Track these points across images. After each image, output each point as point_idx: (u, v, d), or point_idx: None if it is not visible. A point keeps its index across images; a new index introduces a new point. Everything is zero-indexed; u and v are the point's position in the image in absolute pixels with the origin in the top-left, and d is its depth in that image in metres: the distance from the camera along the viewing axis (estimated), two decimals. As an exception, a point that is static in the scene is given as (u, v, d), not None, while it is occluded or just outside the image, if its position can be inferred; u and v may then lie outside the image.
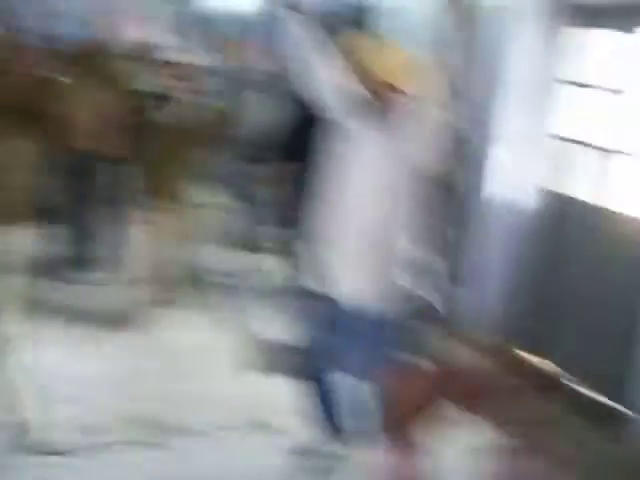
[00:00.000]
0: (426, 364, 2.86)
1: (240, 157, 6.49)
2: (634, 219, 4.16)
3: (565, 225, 4.64)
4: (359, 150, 2.82)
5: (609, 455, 3.26)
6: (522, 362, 3.82)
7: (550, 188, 4.75)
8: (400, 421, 2.72)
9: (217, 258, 6.31)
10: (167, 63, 6.64)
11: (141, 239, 4.76)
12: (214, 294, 5.59)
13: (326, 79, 2.87)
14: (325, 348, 2.99)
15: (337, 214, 2.88)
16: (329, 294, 2.94)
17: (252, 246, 6.70)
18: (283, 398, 3.50)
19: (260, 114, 6.28)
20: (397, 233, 2.80)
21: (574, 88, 4.60)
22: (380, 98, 2.78)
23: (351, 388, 2.98)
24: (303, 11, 2.99)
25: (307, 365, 3.11)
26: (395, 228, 2.80)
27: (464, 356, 3.57)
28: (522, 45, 4.62)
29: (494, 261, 4.81)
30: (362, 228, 2.81)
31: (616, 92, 4.30)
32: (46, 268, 5.15)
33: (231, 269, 6.11)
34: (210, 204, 7.78)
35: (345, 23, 6.34)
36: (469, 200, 4.88)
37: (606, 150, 4.36)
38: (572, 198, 4.61)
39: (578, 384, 4.23)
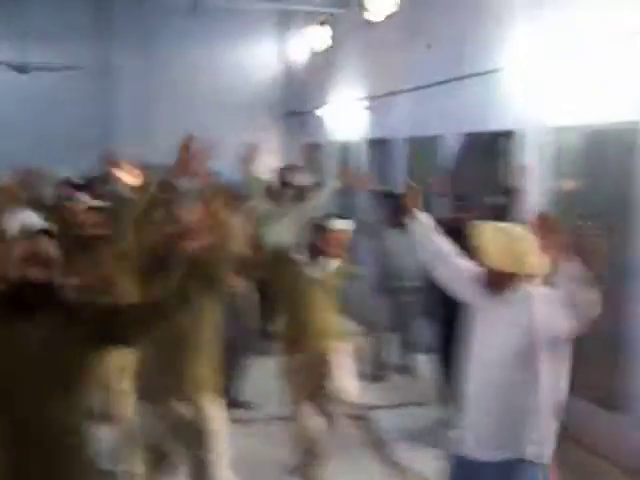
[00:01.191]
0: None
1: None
2: None
3: None
4: (487, 322, 3.24)
5: None
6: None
7: None
8: None
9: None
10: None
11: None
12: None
13: (453, 271, 3.44)
14: None
15: (472, 372, 3.29)
16: (463, 446, 3.29)
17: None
18: None
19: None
20: (527, 392, 3.13)
21: None
22: (498, 281, 3.19)
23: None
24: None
25: None
26: (525, 388, 3.12)
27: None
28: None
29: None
30: (491, 386, 3.17)
31: None
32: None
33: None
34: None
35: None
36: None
37: None
38: None
39: None
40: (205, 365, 3.69)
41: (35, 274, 2.50)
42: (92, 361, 2.65)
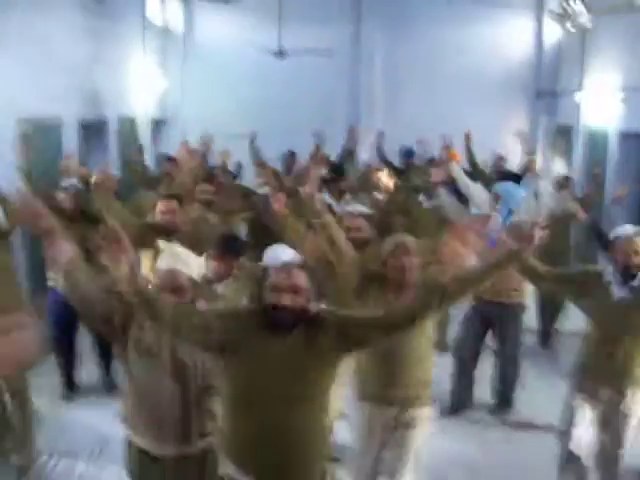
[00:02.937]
0: None
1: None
2: None
3: None
4: None
5: None
6: None
7: None
8: None
9: None
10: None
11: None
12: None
13: None
14: None
15: None
16: None
17: None
18: None
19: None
20: None
21: None
22: None
23: None
24: None
25: None
26: None
27: None
28: None
29: None
30: None
31: None
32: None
33: None
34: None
35: None
36: None
37: None
38: None
39: None
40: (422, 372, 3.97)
41: (287, 301, 2.88)
42: (334, 369, 2.98)
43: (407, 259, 3.86)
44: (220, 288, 4.41)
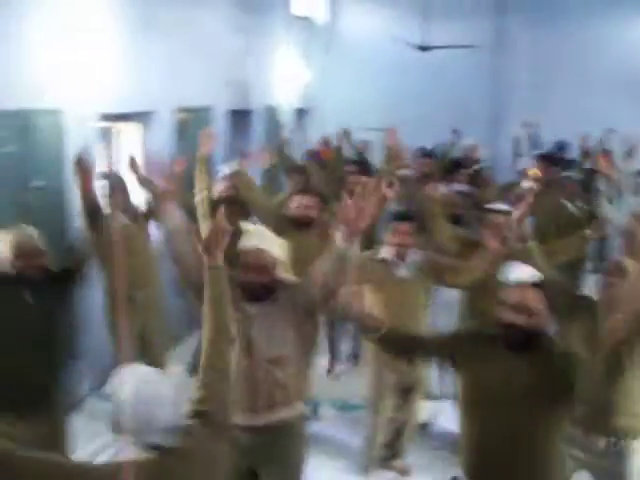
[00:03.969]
0: None
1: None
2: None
3: None
4: None
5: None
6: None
7: None
8: None
9: None
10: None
11: None
12: None
13: None
14: None
15: None
16: None
17: None
18: None
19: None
20: None
21: None
22: None
23: None
24: None
25: None
26: None
27: None
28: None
29: None
30: None
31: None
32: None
33: None
34: None
35: None
36: None
37: None
38: None
39: None
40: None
41: (518, 321, 2.91)
42: (560, 399, 2.92)
43: (619, 280, 3.58)
44: (402, 271, 4.51)
